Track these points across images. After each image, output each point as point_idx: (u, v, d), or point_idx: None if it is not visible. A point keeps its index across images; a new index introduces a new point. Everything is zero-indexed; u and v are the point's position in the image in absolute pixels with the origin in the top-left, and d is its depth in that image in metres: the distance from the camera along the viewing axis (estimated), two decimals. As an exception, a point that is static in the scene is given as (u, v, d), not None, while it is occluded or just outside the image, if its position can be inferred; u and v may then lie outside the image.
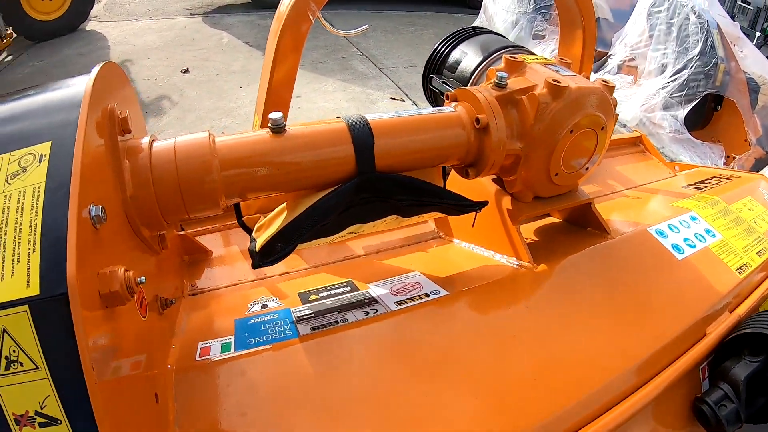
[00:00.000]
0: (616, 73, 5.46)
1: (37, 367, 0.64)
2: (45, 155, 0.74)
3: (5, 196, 0.71)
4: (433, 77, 1.72)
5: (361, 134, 1.04)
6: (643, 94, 4.99)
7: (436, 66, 1.73)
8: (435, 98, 1.79)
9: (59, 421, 0.65)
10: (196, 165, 0.93)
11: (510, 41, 1.67)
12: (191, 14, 7.98)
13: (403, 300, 1.13)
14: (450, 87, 1.62)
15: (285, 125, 1.01)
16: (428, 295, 1.15)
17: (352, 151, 1.03)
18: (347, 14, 7.76)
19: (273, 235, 1.04)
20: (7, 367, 0.64)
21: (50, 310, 0.64)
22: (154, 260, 1.05)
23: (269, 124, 1.00)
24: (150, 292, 0.97)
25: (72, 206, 0.69)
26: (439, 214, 1.24)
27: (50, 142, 0.75)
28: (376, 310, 1.10)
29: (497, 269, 1.26)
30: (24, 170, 0.73)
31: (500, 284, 1.20)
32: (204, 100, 5.57)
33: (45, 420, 0.65)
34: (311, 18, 1.42)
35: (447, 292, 1.15)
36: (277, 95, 1.45)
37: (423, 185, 1.12)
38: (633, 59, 5.34)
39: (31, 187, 0.71)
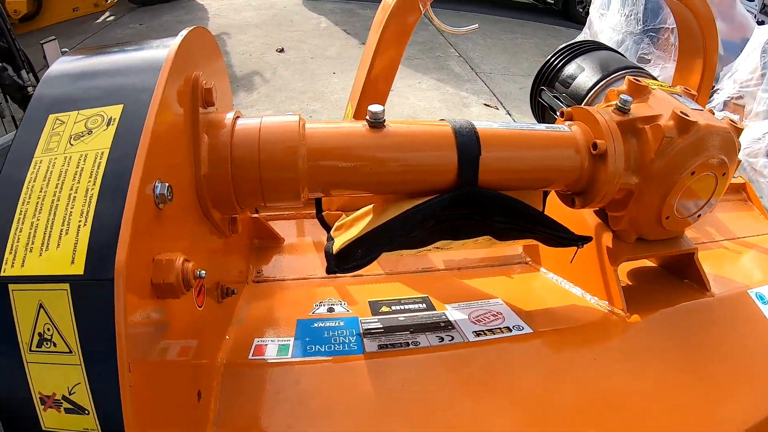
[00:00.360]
0: (722, 110, 4.91)
1: (70, 351, 0.58)
2: (114, 119, 0.68)
3: (65, 158, 0.65)
4: (543, 90, 1.56)
5: (468, 142, 0.91)
6: (748, 137, 4.47)
7: (548, 78, 1.56)
8: (542, 112, 1.63)
9: (87, 411, 0.58)
10: (281, 150, 0.84)
11: (632, 62, 1.49)
12: None
13: (483, 330, 1.00)
14: (561, 102, 1.46)
15: (384, 120, 0.91)
16: (510, 330, 1.01)
17: (456, 159, 0.90)
18: (446, 13, 7.59)
19: (354, 240, 0.93)
20: (39, 345, 0.58)
21: (92, 294, 0.57)
22: (221, 244, 0.98)
23: (367, 117, 0.90)
24: (211, 279, 0.90)
25: (134, 181, 0.61)
26: (533, 241, 1.09)
27: (122, 106, 0.69)
28: (452, 338, 0.97)
29: (586, 312, 1.12)
30: (89, 132, 0.67)
31: (588, 330, 1.07)
32: (296, 81, 5.59)
33: (72, 407, 0.59)
34: (421, 9, 1.31)
35: (530, 329, 1.02)
36: (375, 87, 1.36)
37: (526, 209, 0.98)
38: (741, 97, 4.78)
39: (94, 152, 0.65)
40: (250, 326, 1.01)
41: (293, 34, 6.65)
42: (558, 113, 1.12)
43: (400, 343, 0.96)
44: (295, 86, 5.48)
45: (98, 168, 0.63)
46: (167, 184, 0.66)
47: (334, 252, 0.95)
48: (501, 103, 5.61)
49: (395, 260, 1.28)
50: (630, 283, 1.22)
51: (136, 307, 0.59)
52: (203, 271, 0.68)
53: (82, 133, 0.67)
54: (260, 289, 1.16)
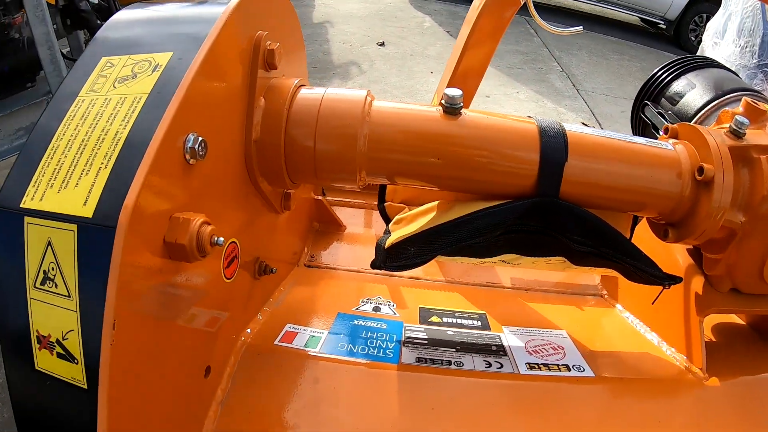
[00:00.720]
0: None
1: (69, 296, 0.55)
2: (161, 65, 0.65)
3: (105, 99, 0.63)
4: (647, 104, 1.37)
5: (554, 145, 0.79)
6: None
7: (654, 93, 1.38)
8: (643, 130, 1.44)
9: (76, 361, 0.55)
10: (340, 126, 0.77)
11: (748, 84, 1.27)
12: None
13: (538, 364, 0.88)
14: (666, 120, 1.27)
15: (461, 107, 0.81)
16: (569, 369, 0.87)
17: (537, 162, 0.79)
18: (554, 28, 7.29)
19: (409, 236, 0.84)
20: (43, 283, 0.56)
21: (96, 240, 0.54)
22: (271, 219, 0.94)
23: (442, 101, 0.80)
24: (250, 253, 0.86)
25: (161, 127, 0.58)
26: (611, 271, 0.94)
27: (171, 54, 0.66)
28: (501, 365, 0.86)
29: (659, 364, 0.95)
30: (134, 76, 0.65)
31: (658, 385, 0.90)
32: (392, 75, 5.50)
33: (63, 353, 0.56)
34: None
35: (592, 373, 0.87)
36: (463, 82, 1.26)
37: (611, 233, 0.84)
38: None
39: (132, 96, 0.62)
40: (286, 310, 0.96)
41: (396, 30, 6.62)
42: (662, 129, 0.95)
43: (442, 360, 0.86)
44: (391, 80, 5.41)
45: (133, 112, 0.60)
46: (201, 139, 0.62)
47: (386, 246, 0.87)
48: (600, 124, 5.22)
49: (458, 268, 1.17)
50: (713, 339, 1.03)
51: (140, 263, 0.55)
52: (221, 238, 0.62)
53: (127, 77, 0.65)
54: (309, 273, 1.12)
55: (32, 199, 0.57)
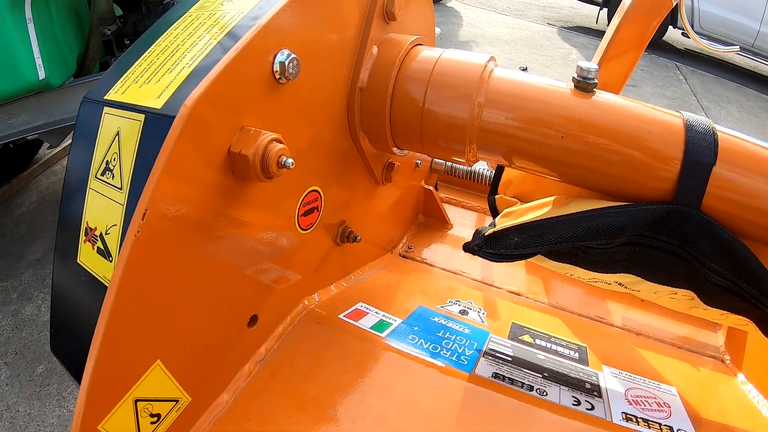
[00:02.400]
0: None
1: (121, 188, 0.53)
2: (269, -15, 0.62)
3: (210, 13, 0.62)
4: None
5: (701, 144, 0.63)
6: None
7: None
8: None
9: (111, 258, 0.53)
10: (454, 88, 0.69)
11: None
12: (548, 23, 7.85)
13: (636, 417, 0.69)
14: None
15: (596, 84, 0.68)
16: (671, 430, 0.67)
17: (680, 162, 0.63)
18: (706, 78, 6.54)
19: (515, 225, 0.72)
20: (103, 173, 0.55)
21: (157, 130, 0.51)
22: (368, 189, 0.87)
23: (575, 75, 0.69)
24: (336, 213, 0.80)
25: (246, 38, 0.54)
26: (745, 322, 0.71)
27: None
28: (591, 407, 0.69)
29: None
30: (243, -7, 0.63)
31: None
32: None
33: (102, 248, 0.54)
34: (672, 0, 1.02)
35: None
36: None
37: (757, 267, 0.63)
38: None
39: (235, 11, 0.60)
40: (364, 289, 0.88)
41: (540, 58, 6.39)
42: None
43: (523, 383, 0.72)
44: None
45: (231, 23, 0.58)
46: (294, 56, 0.58)
47: (486, 234, 0.75)
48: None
49: (565, 294, 1.01)
50: None
51: (194, 163, 0.51)
52: (290, 159, 0.56)
53: (236, -7, 0.63)
54: (402, 263, 1.03)
55: (116, 93, 0.57)
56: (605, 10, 7.19)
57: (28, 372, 1.94)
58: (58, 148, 2.91)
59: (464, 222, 1.17)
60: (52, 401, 1.83)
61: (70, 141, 3.32)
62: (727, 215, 0.63)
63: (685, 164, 0.62)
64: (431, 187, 1.12)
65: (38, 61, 1.95)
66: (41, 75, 1.96)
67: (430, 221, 1.15)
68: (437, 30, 1.10)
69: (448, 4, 8.19)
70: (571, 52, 6.81)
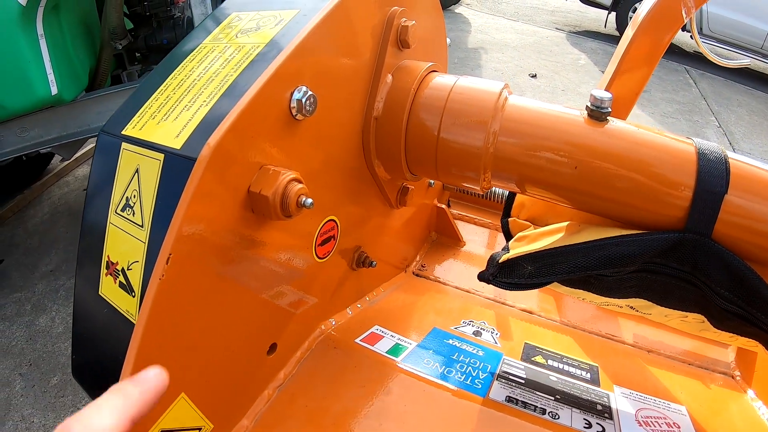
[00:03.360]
0: None
1: (142, 226, 0.54)
2: (284, 21, 0.63)
3: (224, 46, 0.62)
4: None
5: (713, 173, 0.64)
6: None
7: None
8: None
9: (134, 294, 0.54)
10: (469, 116, 0.70)
11: None
12: (556, 28, 7.77)
13: None
14: None
15: (609, 112, 0.69)
16: None
17: (691, 190, 0.64)
18: (714, 81, 6.49)
19: (528, 254, 0.73)
20: (123, 209, 0.56)
21: (178, 171, 0.52)
22: (383, 212, 0.88)
23: (588, 104, 0.69)
24: (352, 239, 0.81)
25: (268, 71, 0.55)
26: (755, 344, 0.72)
27: (297, 11, 0.64)
28: (602, 429, 0.70)
29: None
30: (257, 29, 0.63)
31: None
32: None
33: (125, 283, 0.55)
34: (684, 17, 1.01)
35: None
36: (612, 111, 1.13)
37: (765, 290, 0.64)
38: None
39: (249, 45, 0.61)
40: (379, 311, 0.89)
41: (549, 64, 6.34)
42: None
43: (535, 406, 0.72)
44: (542, 115, 5.24)
45: (247, 59, 0.59)
46: (311, 94, 0.58)
47: (500, 261, 0.76)
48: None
49: (577, 311, 1.01)
50: None
51: (216, 204, 0.52)
52: (309, 200, 0.57)
53: (251, 29, 0.64)
54: (415, 282, 1.03)
55: (133, 128, 0.58)
56: (613, 14, 7.15)
57: (43, 383, 1.96)
58: (70, 159, 2.94)
59: (476, 239, 1.17)
60: (67, 412, 1.85)
61: (82, 152, 3.35)
62: (737, 241, 0.63)
63: (696, 193, 0.62)
64: (444, 206, 1.12)
65: (50, 77, 1.97)
66: (54, 90, 1.98)
67: (442, 239, 1.15)
68: (447, 40, 1.11)
69: (456, 11, 8.19)
70: (580, 58, 6.80)
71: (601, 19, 7.53)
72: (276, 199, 0.55)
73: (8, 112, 1.98)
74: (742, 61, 1.16)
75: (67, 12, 2.05)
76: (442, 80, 0.74)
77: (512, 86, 5.74)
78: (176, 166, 0.52)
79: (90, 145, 3.42)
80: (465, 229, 1.17)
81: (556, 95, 5.66)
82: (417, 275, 1.06)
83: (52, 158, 3.23)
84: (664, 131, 0.70)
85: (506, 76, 5.92)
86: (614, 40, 7.52)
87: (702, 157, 0.64)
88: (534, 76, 6.02)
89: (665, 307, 0.72)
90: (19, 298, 2.37)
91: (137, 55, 2.45)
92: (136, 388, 0.36)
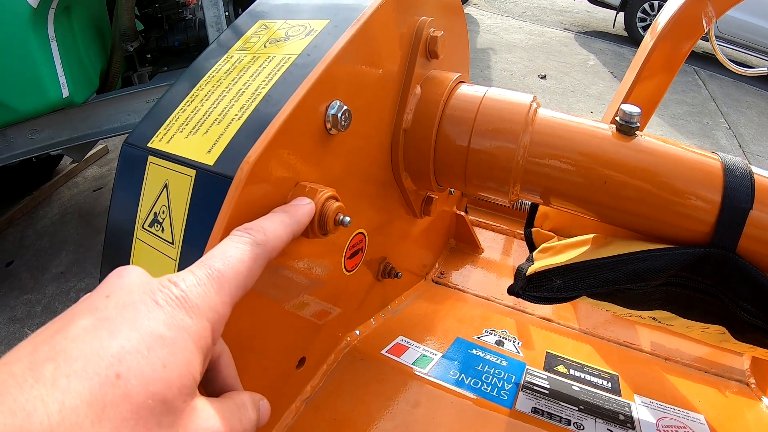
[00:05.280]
0: None
1: (172, 243, 0.53)
2: (315, 31, 0.62)
3: (254, 57, 0.61)
4: None
5: (737, 188, 0.64)
6: None
7: None
8: None
9: None
10: (500, 129, 0.69)
11: None
12: (565, 29, 7.79)
13: None
14: None
15: (638, 127, 0.68)
16: None
17: (718, 205, 0.64)
18: (724, 81, 6.47)
19: (557, 267, 0.73)
20: (151, 225, 0.55)
21: (211, 189, 0.51)
22: (407, 222, 0.87)
23: (618, 118, 0.69)
24: (378, 251, 0.80)
25: (304, 86, 0.54)
26: None
27: (328, 21, 0.63)
28: None
29: None
30: (287, 39, 0.62)
31: None
32: (551, 109, 5.23)
33: None
34: (705, 26, 1.00)
35: None
36: None
37: None
38: None
39: (281, 56, 0.60)
40: (402, 321, 0.88)
41: (558, 65, 6.34)
42: None
43: (561, 417, 0.72)
44: (548, 115, 5.23)
45: (278, 71, 0.58)
46: (346, 108, 0.57)
47: (528, 273, 0.75)
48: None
49: (595, 319, 1.00)
50: None
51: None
52: (347, 218, 0.56)
53: (280, 38, 0.63)
54: (435, 290, 1.02)
55: (160, 141, 0.57)
56: (622, 14, 7.12)
57: (55, 387, 1.96)
58: (80, 161, 2.94)
59: (494, 246, 1.16)
60: (79, 416, 1.85)
61: (91, 153, 3.35)
62: (761, 256, 0.63)
63: (723, 209, 0.62)
64: (462, 213, 1.11)
65: (62, 79, 1.97)
66: (65, 93, 1.98)
67: (461, 245, 1.14)
68: None
69: (464, 11, 8.20)
70: (589, 58, 6.79)
71: (610, 19, 7.51)
72: (314, 218, 0.54)
73: (20, 115, 1.98)
74: (762, 69, 1.15)
75: (78, 14, 2.05)
76: (471, 91, 0.74)
77: (522, 87, 5.77)
78: (210, 183, 0.51)
79: (99, 146, 3.42)
80: (482, 235, 1.16)
81: (566, 96, 5.66)
82: (437, 283, 1.05)
83: (62, 159, 3.23)
84: (691, 146, 0.69)
85: (516, 77, 5.92)
86: (623, 40, 7.52)
87: (728, 172, 0.64)
88: (543, 77, 6.01)
89: (688, 319, 0.72)
90: (29, 300, 2.38)
91: (148, 57, 2.45)
92: (297, 211, 0.49)
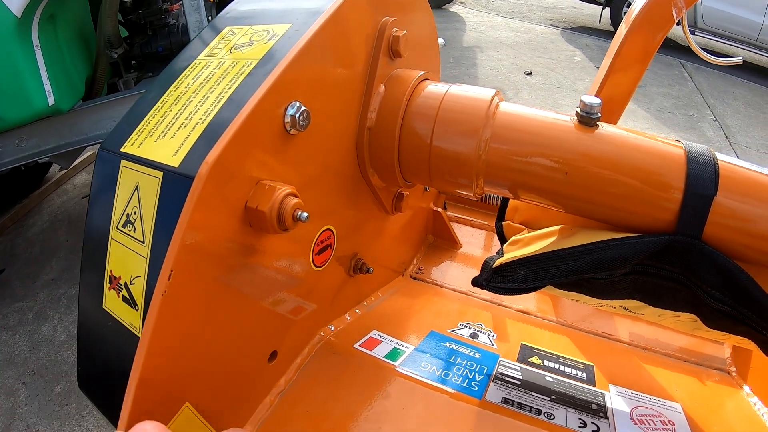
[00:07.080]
0: None
1: (143, 242, 0.55)
2: (277, 35, 0.64)
3: (219, 62, 0.64)
4: None
5: (702, 175, 0.65)
6: None
7: None
8: None
9: (137, 307, 0.55)
10: (461, 124, 0.71)
11: None
12: (551, 25, 7.83)
13: None
14: None
15: (599, 117, 0.70)
16: None
17: (681, 193, 0.65)
18: (709, 73, 6.50)
19: (520, 258, 0.75)
20: (124, 225, 0.57)
21: (176, 189, 0.54)
22: (379, 219, 0.89)
23: (578, 109, 0.71)
24: (349, 247, 0.82)
25: (262, 89, 0.56)
26: (747, 341, 0.73)
27: (290, 25, 0.65)
28: (597, 428, 0.71)
29: None
30: (250, 44, 0.65)
31: None
32: (536, 105, 5.23)
33: (128, 297, 0.56)
34: (674, 17, 1.02)
35: None
36: (604, 112, 1.15)
37: (756, 292, 0.65)
38: None
39: (244, 60, 0.62)
40: (377, 316, 0.90)
41: (544, 61, 6.37)
42: None
43: (531, 407, 0.73)
44: (534, 111, 5.25)
45: (241, 75, 0.60)
46: (304, 109, 0.60)
47: (494, 265, 0.77)
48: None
49: (573, 312, 1.02)
50: None
51: (215, 220, 0.54)
52: (305, 214, 0.58)
53: (244, 44, 0.65)
54: (413, 285, 1.05)
55: (132, 145, 0.59)
56: (608, 9, 7.15)
57: (47, 392, 1.97)
58: (69, 168, 2.95)
59: (472, 241, 1.19)
60: (72, 421, 1.86)
61: (80, 159, 3.35)
62: (727, 242, 0.64)
63: (686, 196, 0.63)
64: (440, 209, 1.14)
65: (47, 87, 1.98)
66: (51, 101, 1.99)
67: (439, 242, 1.16)
68: (441, 41, 1.12)
69: (450, 10, 8.19)
70: (576, 54, 6.80)
71: (596, 14, 7.54)
72: (272, 214, 0.56)
73: (6, 124, 1.99)
74: (735, 59, 1.17)
75: (62, 22, 2.06)
76: (434, 89, 0.76)
77: (508, 84, 5.74)
78: (175, 184, 0.54)
79: (88, 153, 3.43)
80: (461, 231, 1.19)
81: (552, 91, 5.67)
82: (414, 278, 1.07)
83: (50, 167, 3.24)
84: (655, 135, 0.71)
85: (502, 74, 5.94)
86: (609, 35, 7.53)
87: (691, 159, 0.65)
88: (530, 73, 6.02)
89: (658, 307, 0.74)
90: (21, 308, 2.39)
91: (133, 63, 2.47)
92: None
